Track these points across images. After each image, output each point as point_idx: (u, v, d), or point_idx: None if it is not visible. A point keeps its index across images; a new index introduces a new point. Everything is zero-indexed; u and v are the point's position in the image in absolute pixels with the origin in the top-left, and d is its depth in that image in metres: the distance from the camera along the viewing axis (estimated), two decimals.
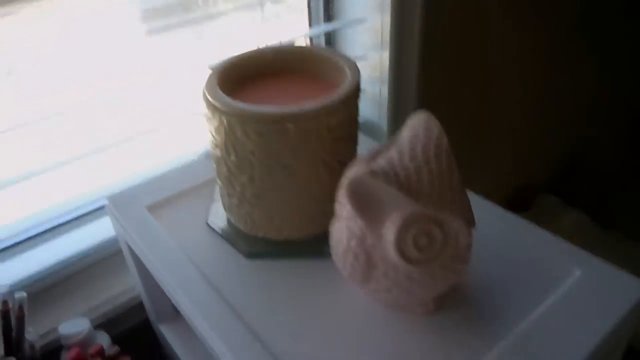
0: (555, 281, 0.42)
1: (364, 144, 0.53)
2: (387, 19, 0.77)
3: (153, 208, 0.54)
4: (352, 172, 0.35)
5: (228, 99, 0.41)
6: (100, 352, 0.57)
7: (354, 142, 0.47)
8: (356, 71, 0.44)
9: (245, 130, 0.40)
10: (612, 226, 1.26)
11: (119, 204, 0.54)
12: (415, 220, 0.35)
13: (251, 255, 0.48)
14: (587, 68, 1.32)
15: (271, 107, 0.40)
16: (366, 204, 0.36)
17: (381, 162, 0.36)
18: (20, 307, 0.55)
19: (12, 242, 0.63)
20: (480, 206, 0.51)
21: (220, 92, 0.41)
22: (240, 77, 0.46)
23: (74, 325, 0.60)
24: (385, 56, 0.81)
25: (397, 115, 0.88)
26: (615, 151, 1.55)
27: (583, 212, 1.25)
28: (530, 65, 1.14)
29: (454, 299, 0.42)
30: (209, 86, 0.42)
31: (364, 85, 0.88)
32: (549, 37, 1.15)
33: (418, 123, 0.39)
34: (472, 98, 1.04)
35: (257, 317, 0.42)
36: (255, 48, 0.47)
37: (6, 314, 0.54)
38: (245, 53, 0.46)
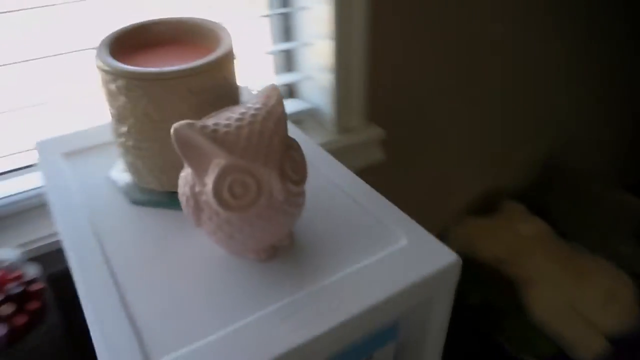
0: (381, 244, 0.47)
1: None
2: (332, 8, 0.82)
3: (68, 155, 0.61)
4: (178, 123, 0.41)
5: (107, 58, 0.47)
6: (19, 277, 0.65)
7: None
8: (228, 44, 0.50)
9: (117, 85, 0.47)
10: (573, 238, 1.27)
11: (43, 148, 0.61)
12: (231, 170, 0.41)
13: (135, 202, 0.54)
14: (565, 77, 1.33)
15: (137, 67, 0.46)
16: (193, 154, 0.41)
17: (211, 119, 0.42)
18: None
19: None
20: (333, 168, 0.57)
21: (103, 53, 0.48)
22: (132, 44, 0.52)
23: (3, 253, 0.68)
24: (330, 45, 0.86)
25: (344, 102, 0.92)
26: (586, 165, 1.55)
27: (545, 221, 1.27)
28: (499, 64, 1.16)
29: (289, 249, 0.48)
30: (98, 49, 0.48)
31: (312, 72, 0.93)
32: (522, 34, 1.16)
33: (264, 92, 0.45)
34: (428, 92, 1.07)
35: (121, 255, 0.48)
36: (147, 19, 0.53)
37: None
38: (138, 23, 0.53)
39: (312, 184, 0.56)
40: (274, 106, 0.44)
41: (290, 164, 0.44)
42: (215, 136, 0.40)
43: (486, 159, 1.30)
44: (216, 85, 0.49)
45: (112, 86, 0.47)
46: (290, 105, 0.97)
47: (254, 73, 0.98)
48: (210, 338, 0.40)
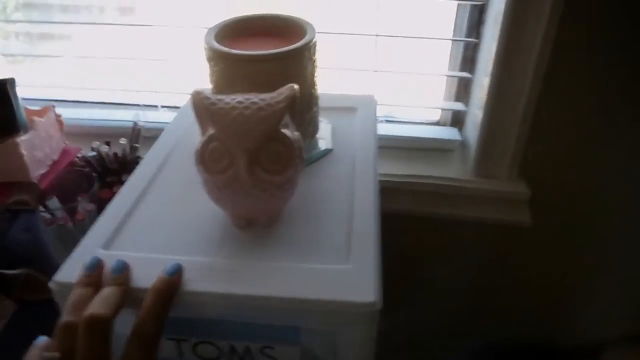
0: (329, 259, 0.49)
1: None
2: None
3: None
4: (195, 89, 0.51)
5: (208, 34, 0.60)
6: None
7: None
8: (295, 46, 0.57)
9: (205, 55, 0.60)
10: None
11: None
12: (214, 139, 0.49)
13: None
14: None
15: (219, 45, 0.58)
16: (199, 117, 0.51)
17: (224, 95, 0.51)
18: (139, 130, 0.89)
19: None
20: (365, 183, 0.60)
21: (211, 31, 0.61)
22: (235, 33, 0.63)
23: None
24: (486, 81, 0.82)
25: (489, 146, 0.87)
26: None
27: None
28: None
29: (265, 227, 0.54)
30: (210, 27, 0.62)
31: (472, 107, 0.90)
32: None
33: (283, 89, 0.51)
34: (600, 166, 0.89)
35: (167, 173, 0.63)
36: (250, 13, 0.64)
37: (135, 128, 0.90)
38: (242, 16, 0.64)
39: (332, 184, 0.60)
40: (277, 102, 0.50)
41: (269, 154, 0.49)
42: (210, 108, 0.49)
43: None
44: (271, 75, 0.57)
45: (205, 55, 0.60)
46: (444, 132, 0.96)
47: (426, 92, 1.00)
48: (151, 255, 0.50)
